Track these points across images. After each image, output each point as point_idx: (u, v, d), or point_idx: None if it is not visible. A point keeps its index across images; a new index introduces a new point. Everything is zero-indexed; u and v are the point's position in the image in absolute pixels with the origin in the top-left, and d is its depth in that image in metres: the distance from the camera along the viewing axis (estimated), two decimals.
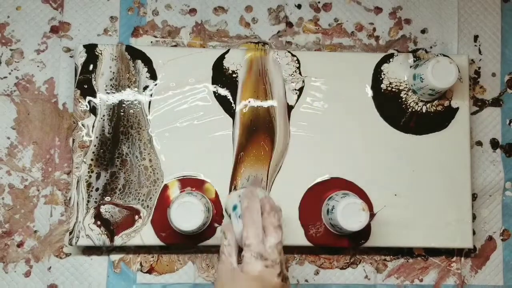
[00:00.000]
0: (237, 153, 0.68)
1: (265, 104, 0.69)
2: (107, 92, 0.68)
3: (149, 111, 0.68)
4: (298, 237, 0.67)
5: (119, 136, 0.67)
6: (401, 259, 0.72)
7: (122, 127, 0.67)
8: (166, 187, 0.67)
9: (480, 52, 0.75)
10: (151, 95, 0.68)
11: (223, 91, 0.69)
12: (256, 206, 0.53)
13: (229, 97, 0.69)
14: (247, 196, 0.53)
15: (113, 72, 0.68)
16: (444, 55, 0.68)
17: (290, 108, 0.69)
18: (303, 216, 0.67)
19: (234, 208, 0.56)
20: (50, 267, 0.69)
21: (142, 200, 0.67)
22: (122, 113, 0.67)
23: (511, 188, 0.74)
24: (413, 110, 0.70)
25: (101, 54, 0.68)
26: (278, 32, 0.73)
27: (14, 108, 0.70)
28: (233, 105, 0.69)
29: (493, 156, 0.74)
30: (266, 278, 0.49)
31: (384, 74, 0.70)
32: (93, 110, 0.67)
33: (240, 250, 0.52)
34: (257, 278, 0.49)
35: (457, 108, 0.70)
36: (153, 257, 0.69)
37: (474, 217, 0.72)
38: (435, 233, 0.68)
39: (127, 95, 0.68)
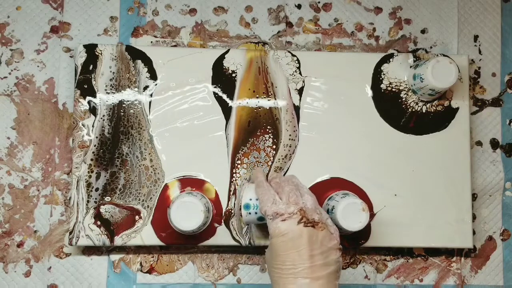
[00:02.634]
0: (233, 154, 0.68)
1: (267, 104, 0.69)
2: (107, 92, 0.68)
3: (149, 111, 0.68)
4: None
5: (119, 136, 0.67)
6: (401, 259, 0.72)
7: (122, 127, 0.67)
8: (166, 187, 0.67)
9: (480, 52, 0.75)
10: (151, 95, 0.68)
11: (223, 91, 0.69)
12: (260, 179, 0.57)
13: (229, 97, 0.69)
14: (252, 180, 0.58)
15: (113, 72, 0.68)
16: (444, 55, 0.68)
17: (297, 108, 0.69)
18: None
19: (247, 206, 0.59)
20: (50, 267, 0.69)
21: (143, 200, 0.67)
22: (122, 113, 0.67)
23: (511, 188, 0.74)
24: (413, 110, 0.70)
25: (101, 54, 0.68)
26: (278, 32, 0.73)
27: (14, 108, 0.70)
28: (230, 105, 0.69)
29: (493, 156, 0.74)
30: (288, 229, 0.51)
31: (384, 74, 0.70)
32: (93, 110, 0.67)
33: None
34: (279, 234, 0.51)
35: (457, 108, 0.70)
36: (153, 257, 0.69)
37: (474, 217, 0.72)
38: (435, 233, 0.68)
39: (127, 95, 0.68)
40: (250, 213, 0.58)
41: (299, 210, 0.52)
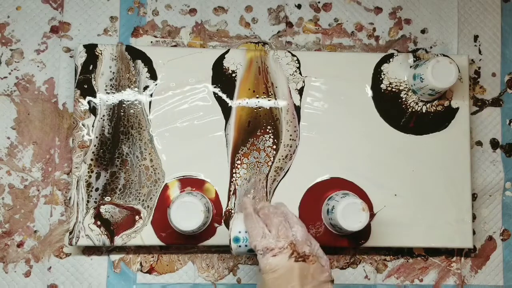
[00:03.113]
0: (233, 154, 0.68)
1: (267, 104, 0.69)
2: (107, 92, 0.68)
3: (149, 111, 0.68)
4: None
5: (119, 136, 0.67)
6: (401, 259, 0.72)
7: (122, 127, 0.67)
8: (166, 187, 0.67)
9: (480, 52, 0.75)
10: (151, 95, 0.68)
11: (223, 91, 0.69)
12: (248, 211, 0.55)
13: (229, 97, 0.69)
14: (240, 209, 0.56)
15: (113, 72, 0.68)
16: (444, 55, 0.68)
17: (297, 108, 0.69)
18: (303, 216, 0.67)
19: (236, 239, 0.57)
20: (50, 267, 0.69)
21: (143, 200, 0.67)
22: (122, 113, 0.67)
23: (511, 188, 0.74)
24: (413, 110, 0.70)
25: (101, 54, 0.68)
26: (278, 32, 0.73)
27: (14, 108, 0.70)
28: (230, 104, 0.69)
29: (493, 156, 0.74)
30: (279, 264, 0.50)
31: (384, 74, 0.70)
32: (93, 110, 0.67)
33: None
34: (270, 270, 0.50)
35: (457, 108, 0.70)
36: (153, 257, 0.69)
37: (474, 217, 0.72)
38: (435, 233, 0.68)
39: (127, 95, 0.68)
40: (240, 246, 0.57)
41: (290, 244, 0.51)
